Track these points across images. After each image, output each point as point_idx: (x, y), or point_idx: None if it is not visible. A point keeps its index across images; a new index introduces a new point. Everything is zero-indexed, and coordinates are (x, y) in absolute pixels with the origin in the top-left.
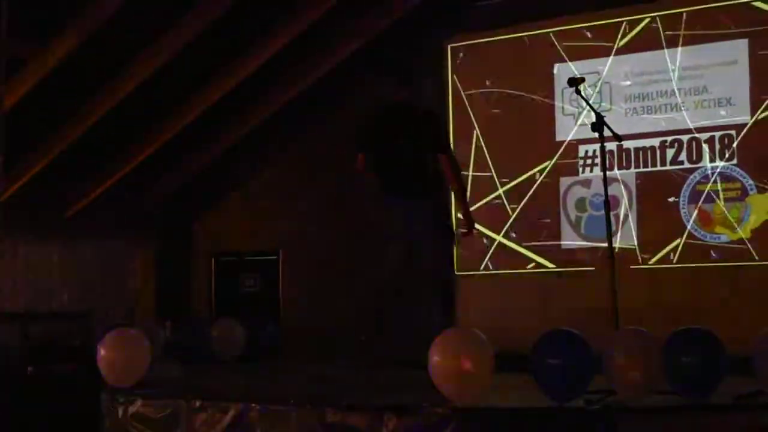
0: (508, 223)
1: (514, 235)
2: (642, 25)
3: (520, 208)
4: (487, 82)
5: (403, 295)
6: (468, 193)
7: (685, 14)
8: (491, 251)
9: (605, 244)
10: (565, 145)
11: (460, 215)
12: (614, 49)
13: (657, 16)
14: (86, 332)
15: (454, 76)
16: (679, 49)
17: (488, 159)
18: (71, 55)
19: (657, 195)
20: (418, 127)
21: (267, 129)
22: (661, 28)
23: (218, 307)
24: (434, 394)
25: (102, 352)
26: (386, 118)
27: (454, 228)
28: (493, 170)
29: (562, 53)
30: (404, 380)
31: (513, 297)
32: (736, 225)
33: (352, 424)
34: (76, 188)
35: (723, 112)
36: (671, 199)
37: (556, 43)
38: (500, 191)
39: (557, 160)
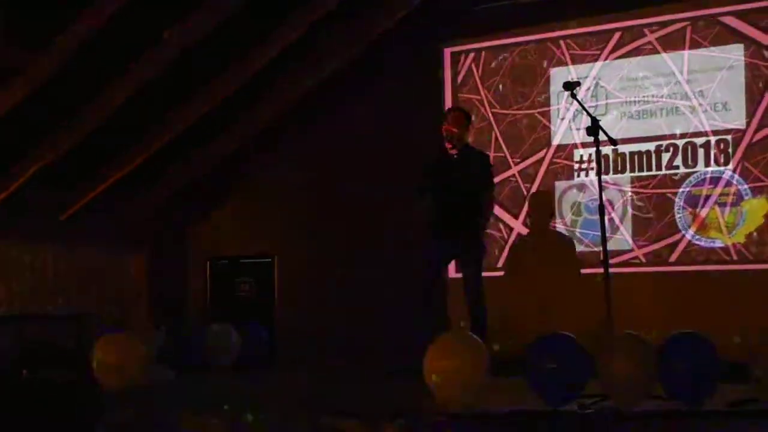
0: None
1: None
2: (638, 29)
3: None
4: (485, 87)
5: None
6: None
7: (680, 20)
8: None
9: (600, 249)
10: (560, 148)
11: None
12: (610, 54)
13: (653, 21)
14: (81, 336)
15: (452, 81)
16: (675, 53)
17: None
18: (66, 61)
19: (652, 200)
20: (474, 164)
21: (263, 134)
22: (657, 34)
23: (213, 311)
24: (429, 399)
25: (96, 356)
26: (443, 158)
27: None
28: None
29: (559, 57)
30: (399, 385)
31: (508, 300)
32: (731, 230)
33: (347, 429)
34: (71, 192)
35: (718, 117)
36: (666, 204)
37: (552, 47)
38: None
39: (552, 163)
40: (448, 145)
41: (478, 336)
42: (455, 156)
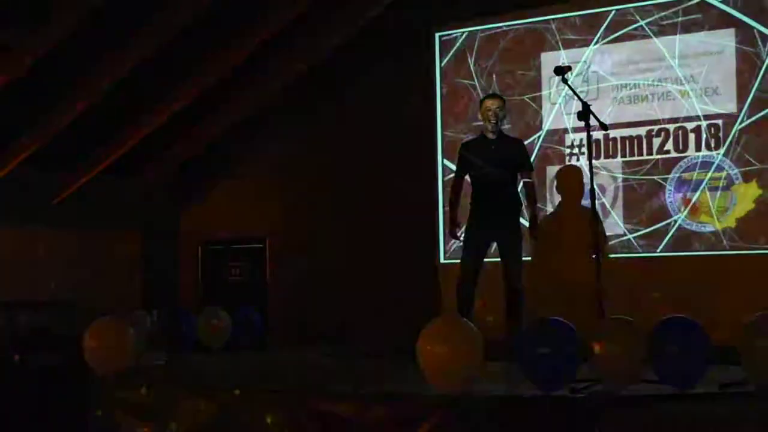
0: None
1: None
2: (629, 14)
3: None
4: (476, 71)
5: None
6: None
7: (672, 4)
8: None
9: None
10: (551, 133)
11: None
12: (601, 39)
13: (644, 5)
14: (72, 321)
15: (443, 65)
16: (666, 38)
17: None
18: (58, 43)
19: (643, 184)
20: (511, 149)
21: (254, 118)
22: (648, 18)
23: (205, 295)
24: (421, 383)
25: (88, 340)
26: (481, 143)
27: None
28: None
29: (550, 42)
30: (391, 368)
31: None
32: (721, 214)
33: (338, 412)
34: (63, 177)
35: (709, 102)
36: (657, 189)
37: (543, 32)
38: None
39: (544, 148)
40: (489, 128)
41: (514, 323)
42: (493, 139)
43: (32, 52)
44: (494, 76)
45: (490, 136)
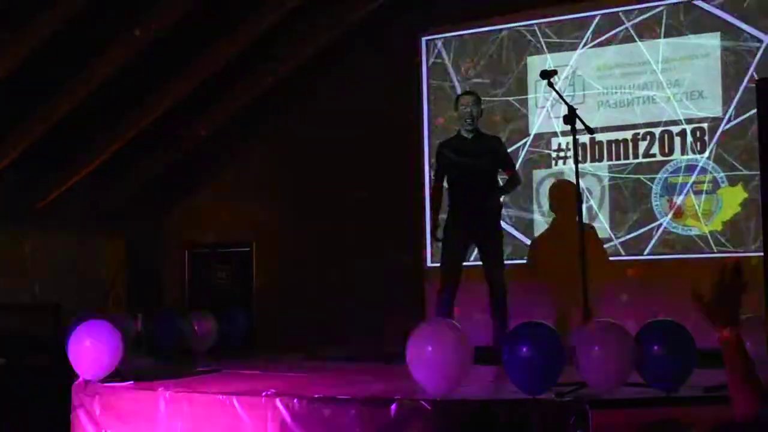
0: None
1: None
2: (615, 17)
3: None
4: (461, 75)
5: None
6: None
7: (657, 7)
8: None
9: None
10: (538, 137)
11: None
12: (587, 42)
13: (630, 9)
14: (57, 324)
15: (429, 69)
16: (652, 42)
17: None
18: (42, 45)
19: (629, 188)
20: (489, 146)
21: (239, 121)
22: (634, 21)
23: (191, 298)
24: (408, 386)
25: (73, 344)
26: (458, 141)
27: None
28: None
29: (536, 45)
30: (377, 372)
31: (483, 289)
32: (707, 218)
33: (322, 414)
34: (48, 179)
35: (695, 106)
36: (643, 192)
37: (528, 35)
38: None
39: (530, 152)
40: (465, 126)
41: (500, 325)
42: (470, 138)
43: (14, 54)
44: (480, 79)
45: (467, 135)
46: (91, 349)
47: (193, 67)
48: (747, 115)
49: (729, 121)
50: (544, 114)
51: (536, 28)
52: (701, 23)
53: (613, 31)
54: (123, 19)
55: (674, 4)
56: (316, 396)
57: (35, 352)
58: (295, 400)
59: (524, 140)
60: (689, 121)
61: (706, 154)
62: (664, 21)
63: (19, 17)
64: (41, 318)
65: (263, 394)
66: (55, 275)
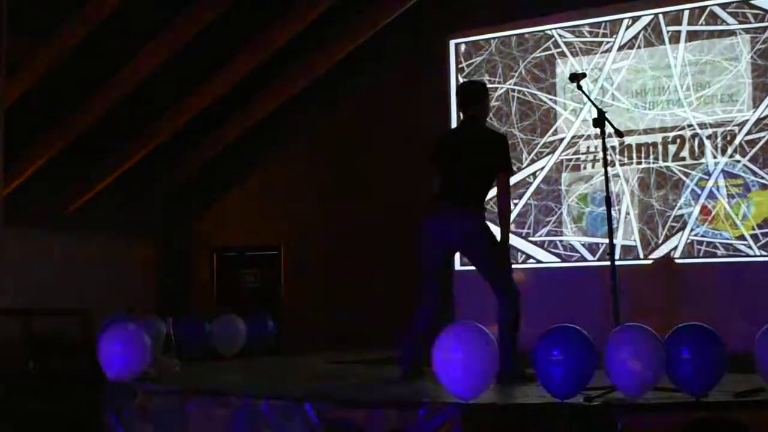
0: (510, 219)
1: (514, 230)
2: (644, 20)
3: (522, 203)
4: (489, 78)
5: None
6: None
7: (687, 10)
8: None
9: (606, 240)
10: (567, 140)
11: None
12: (616, 45)
13: (659, 12)
14: (87, 328)
15: (457, 72)
16: (681, 45)
17: None
18: (72, 52)
19: (659, 191)
20: (489, 145)
21: (268, 125)
22: (663, 24)
23: (219, 302)
24: (436, 390)
25: (102, 347)
26: (460, 135)
27: None
28: None
29: (565, 49)
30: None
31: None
32: (738, 221)
33: (352, 419)
34: (78, 184)
35: (725, 109)
36: (673, 196)
37: (558, 38)
38: None
39: (559, 156)
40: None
41: (511, 336)
42: (468, 131)
43: (46, 61)
44: (508, 82)
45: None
46: (120, 352)
47: (223, 73)
48: None
49: (759, 123)
50: (572, 117)
51: (565, 31)
52: (730, 26)
53: (643, 35)
54: (150, 26)
55: (703, 7)
56: (344, 399)
57: (65, 356)
58: (324, 404)
59: (553, 143)
60: (719, 124)
61: (737, 157)
62: (693, 24)
63: (48, 26)
64: (71, 322)
65: (292, 397)
66: (85, 279)
